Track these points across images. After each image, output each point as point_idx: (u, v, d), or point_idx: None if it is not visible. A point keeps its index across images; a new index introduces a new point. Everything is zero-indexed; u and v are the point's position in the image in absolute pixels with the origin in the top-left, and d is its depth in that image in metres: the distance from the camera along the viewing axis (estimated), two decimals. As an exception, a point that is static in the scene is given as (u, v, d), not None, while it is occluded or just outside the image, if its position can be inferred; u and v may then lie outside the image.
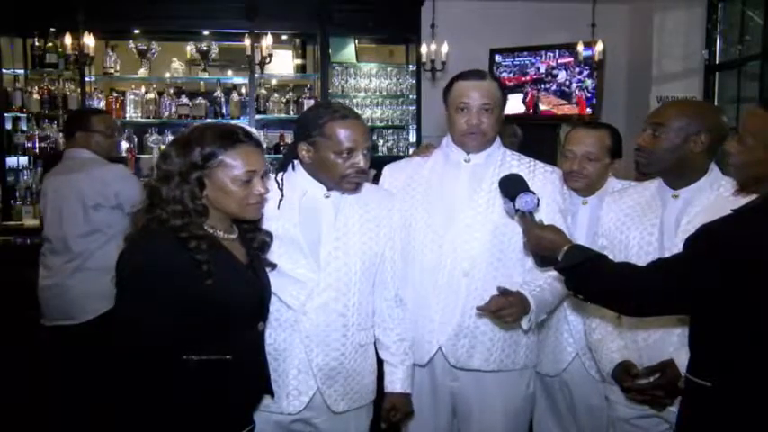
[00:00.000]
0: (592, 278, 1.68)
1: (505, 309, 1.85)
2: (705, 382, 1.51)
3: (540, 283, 1.99)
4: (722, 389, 1.48)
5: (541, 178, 2.09)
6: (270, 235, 1.78)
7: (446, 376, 2.10)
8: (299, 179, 1.91)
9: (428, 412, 2.12)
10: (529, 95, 5.18)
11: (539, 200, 1.83)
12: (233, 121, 5.04)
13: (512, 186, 1.87)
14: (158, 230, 1.56)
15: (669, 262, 1.62)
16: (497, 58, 5.24)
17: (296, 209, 1.88)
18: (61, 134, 4.53)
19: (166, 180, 1.57)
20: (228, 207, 1.62)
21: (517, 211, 1.83)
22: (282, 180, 1.90)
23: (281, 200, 1.87)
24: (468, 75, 2.09)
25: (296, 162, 1.93)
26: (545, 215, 2.01)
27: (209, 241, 1.58)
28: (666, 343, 1.90)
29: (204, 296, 1.55)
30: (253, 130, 4.93)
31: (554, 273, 1.86)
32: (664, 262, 1.64)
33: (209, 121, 4.88)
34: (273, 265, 1.80)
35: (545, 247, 1.77)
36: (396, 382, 1.99)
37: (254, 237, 1.75)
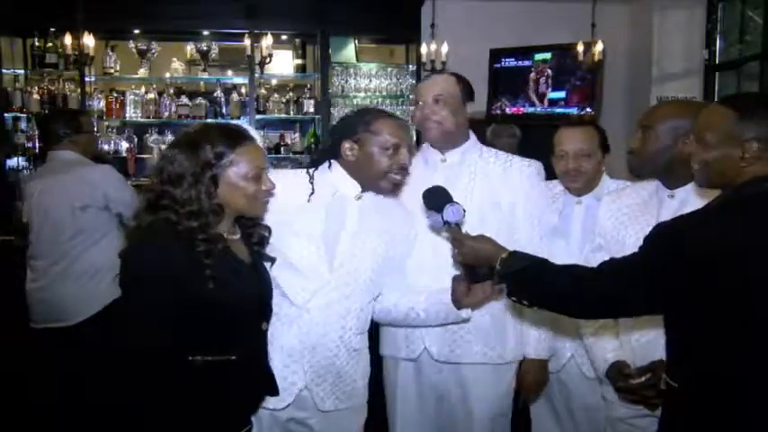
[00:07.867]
0: (536, 283, 1.63)
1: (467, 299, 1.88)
2: (674, 383, 1.50)
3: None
4: (688, 390, 1.47)
5: (517, 173, 2.11)
6: (268, 229, 1.78)
7: (431, 369, 2.13)
8: (332, 178, 1.90)
9: (413, 404, 2.15)
10: (529, 95, 5.17)
11: (464, 210, 1.78)
12: (233, 121, 5.04)
13: (437, 198, 1.81)
14: (162, 231, 1.54)
15: (625, 262, 1.57)
16: (503, 61, 5.22)
17: (322, 207, 1.88)
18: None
19: (177, 182, 1.56)
20: (238, 203, 1.63)
21: (446, 223, 1.77)
22: (313, 176, 1.89)
23: (311, 194, 1.87)
24: (425, 78, 2.29)
25: (333, 161, 1.92)
26: (521, 211, 2.06)
27: (220, 243, 1.58)
28: (658, 344, 1.88)
29: (208, 297, 1.54)
30: (252, 130, 4.97)
31: None
32: (618, 263, 1.59)
33: (209, 120, 4.88)
34: (273, 260, 1.79)
35: (481, 257, 1.72)
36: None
37: (254, 232, 1.75)
